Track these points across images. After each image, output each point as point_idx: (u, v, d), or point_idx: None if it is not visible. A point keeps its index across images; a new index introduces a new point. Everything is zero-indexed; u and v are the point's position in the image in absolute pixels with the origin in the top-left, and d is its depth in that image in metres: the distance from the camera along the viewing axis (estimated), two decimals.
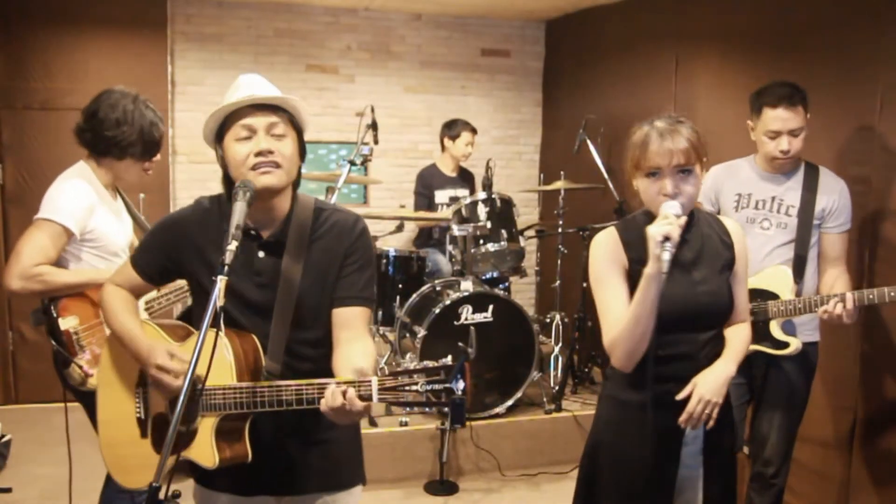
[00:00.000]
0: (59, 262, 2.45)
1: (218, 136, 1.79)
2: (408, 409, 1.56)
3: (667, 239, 1.78)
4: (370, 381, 1.54)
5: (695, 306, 1.93)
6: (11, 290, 2.38)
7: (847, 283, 2.78)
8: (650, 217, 1.97)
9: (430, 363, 1.54)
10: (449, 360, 1.55)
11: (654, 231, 1.81)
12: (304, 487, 1.85)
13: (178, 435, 1.75)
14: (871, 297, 2.51)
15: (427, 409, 1.57)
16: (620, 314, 1.91)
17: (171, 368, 1.74)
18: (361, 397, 1.54)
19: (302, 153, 1.82)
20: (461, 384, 1.51)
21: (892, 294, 2.46)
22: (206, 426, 1.69)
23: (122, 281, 1.92)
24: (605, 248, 1.98)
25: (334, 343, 1.78)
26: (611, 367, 2.08)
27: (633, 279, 1.94)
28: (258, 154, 1.71)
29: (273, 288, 1.77)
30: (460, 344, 3.60)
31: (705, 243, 1.99)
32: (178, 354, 1.76)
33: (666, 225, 1.80)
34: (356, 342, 1.76)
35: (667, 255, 1.77)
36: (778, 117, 2.72)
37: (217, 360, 1.55)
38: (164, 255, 1.85)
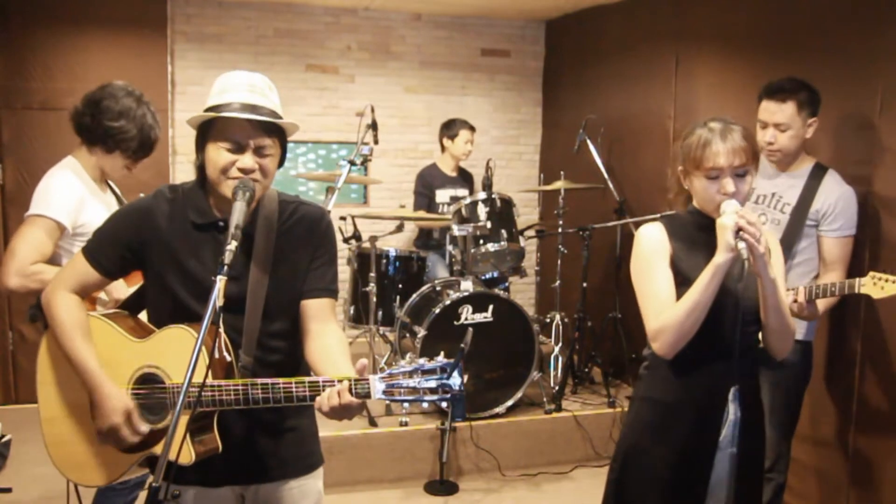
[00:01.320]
0: (53, 258, 2.45)
1: (203, 126, 1.76)
2: (406, 405, 1.59)
3: (740, 230, 1.83)
4: (368, 380, 1.56)
5: (734, 300, 1.96)
6: (9, 289, 2.37)
7: None
8: (698, 216, 2.02)
9: (425, 361, 1.57)
10: (442, 357, 1.58)
11: (728, 221, 1.85)
12: (271, 475, 1.86)
13: (151, 433, 1.77)
14: (817, 291, 2.60)
15: (425, 406, 1.59)
16: (668, 301, 1.95)
17: (123, 436, 1.73)
18: (359, 395, 1.57)
19: (282, 163, 1.83)
20: (457, 380, 1.53)
21: (833, 289, 2.56)
22: (181, 423, 1.68)
23: (73, 281, 1.82)
24: (653, 238, 2.02)
25: (304, 334, 1.81)
26: (645, 367, 2.11)
27: (675, 268, 1.99)
28: (241, 169, 1.71)
29: (241, 280, 1.76)
30: (462, 345, 3.61)
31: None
32: (135, 418, 1.74)
33: (738, 217, 1.85)
34: (330, 334, 1.79)
35: (742, 244, 1.82)
36: (766, 108, 2.80)
37: (195, 358, 1.52)
38: (124, 246, 1.79)
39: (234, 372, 1.73)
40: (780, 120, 2.77)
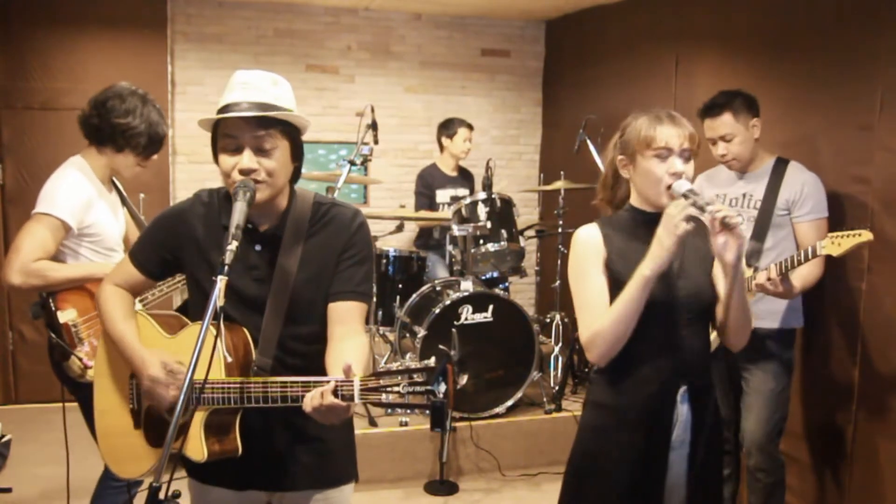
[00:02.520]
0: (57, 257, 2.47)
1: (214, 135, 1.76)
2: (389, 410, 1.56)
3: (694, 204, 1.78)
4: (352, 382, 1.53)
5: (673, 298, 1.92)
6: (11, 285, 2.40)
7: (816, 270, 2.86)
8: (635, 212, 1.98)
9: (412, 364, 1.54)
10: (432, 361, 1.54)
11: (679, 190, 1.82)
12: (295, 483, 1.85)
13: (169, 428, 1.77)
14: (785, 264, 2.66)
15: (409, 411, 1.56)
16: (601, 309, 1.91)
17: (161, 380, 1.74)
18: (343, 397, 1.54)
19: (297, 156, 1.79)
20: (443, 386, 1.50)
21: (798, 257, 2.61)
22: (196, 420, 1.69)
23: (121, 279, 1.91)
24: (587, 242, 1.97)
25: (329, 338, 1.77)
26: (595, 371, 2.07)
27: (609, 271, 1.94)
28: (241, 171, 1.69)
29: (268, 282, 1.76)
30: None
31: (687, 241, 1.95)
32: (171, 365, 1.75)
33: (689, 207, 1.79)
34: (350, 339, 1.74)
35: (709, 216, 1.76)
36: (708, 127, 2.97)
37: (208, 356, 1.54)
38: (164, 249, 1.84)
39: (250, 372, 1.73)
40: (722, 132, 2.92)
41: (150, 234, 1.89)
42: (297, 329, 1.78)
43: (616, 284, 1.92)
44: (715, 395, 2.05)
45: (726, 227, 1.75)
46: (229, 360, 1.69)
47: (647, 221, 1.93)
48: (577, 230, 2.02)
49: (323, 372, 1.72)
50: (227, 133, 1.70)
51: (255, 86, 1.72)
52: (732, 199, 3.04)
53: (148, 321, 1.89)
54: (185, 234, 1.81)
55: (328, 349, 1.75)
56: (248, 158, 1.69)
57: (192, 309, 1.87)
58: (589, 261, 1.96)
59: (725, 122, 2.90)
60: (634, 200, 2.01)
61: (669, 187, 1.88)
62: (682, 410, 1.95)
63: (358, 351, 1.71)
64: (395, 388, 1.51)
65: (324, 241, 1.80)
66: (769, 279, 2.67)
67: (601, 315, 1.90)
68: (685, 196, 1.83)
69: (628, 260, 1.91)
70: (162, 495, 1.44)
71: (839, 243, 2.53)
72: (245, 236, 1.74)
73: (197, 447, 1.69)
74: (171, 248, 1.84)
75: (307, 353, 1.80)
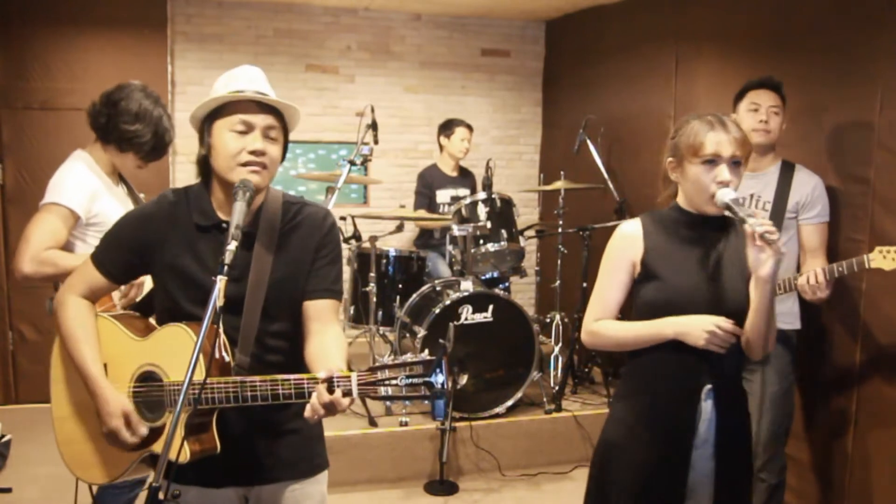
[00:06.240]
0: (66, 246, 2.48)
1: (208, 117, 1.77)
2: (388, 403, 1.57)
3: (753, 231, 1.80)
4: (350, 378, 1.54)
5: (712, 299, 1.94)
6: (23, 275, 2.40)
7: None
8: (679, 212, 2.03)
9: (409, 357, 1.56)
10: (427, 354, 1.56)
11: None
12: (272, 477, 1.86)
13: (151, 431, 1.76)
14: (833, 271, 2.66)
15: (407, 403, 1.58)
16: (609, 307, 2.03)
17: (123, 438, 1.74)
18: (342, 394, 1.55)
19: (284, 155, 1.84)
20: (441, 377, 1.52)
21: (841, 268, 2.61)
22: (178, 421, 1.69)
23: (82, 286, 1.85)
24: (625, 238, 2.05)
25: (306, 334, 1.80)
26: (625, 367, 2.11)
27: (645, 266, 2.00)
28: (251, 153, 1.71)
29: (243, 281, 1.76)
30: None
31: (728, 245, 2.02)
32: (134, 420, 1.75)
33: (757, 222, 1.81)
34: (328, 333, 1.78)
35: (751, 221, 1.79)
36: (759, 94, 2.95)
37: (188, 357, 1.53)
38: (130, 251, 1.81)
39: (231, 371, 1.73)
40: (773, 102, 2.91)
41: (114, 237, 1.84)
42: (274, 326, 1.80)
43: (648, 277, 1.98)
44: (745, 399, 2.07)
45: (765, 241, 1.78)
46: (227, 359, 1.70)
47: (690, 223, 2.00)
48: (620, 224, 2.10)
49: (301, 366, 1.76)
50: (240, 116, 1.73)
51: (261, 82, 1.80)
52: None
53: (113, 325, 1.85)
54: (151, 235, 1.79)
55: (307, 344, 1.78)
56: (259, 140, 1.73)
57: (159, 311, 1.85)
58: (619, 257, 2.04)
59: (777, 98, 2.92)
60: (680, 200, 2.04)
61: (713, 196, 1.91)
62: (706, 408, 1.96)
63: (339, 345, 1.76)
64: (393, 382, 1.53)
65: (298, 239, 1.83)
66: (817, 281, 2.66)
67: (608, 313, 2.01)
68: (727, 207, 1.88)
69: (665, 257, 1.98)
70: (162, 495, 1.45)
71: (893, 258, 2.48)
72: (220, 236, 1.75)
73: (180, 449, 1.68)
74: (136, 250, 1.80)
75: (284, 349, 1.82)
